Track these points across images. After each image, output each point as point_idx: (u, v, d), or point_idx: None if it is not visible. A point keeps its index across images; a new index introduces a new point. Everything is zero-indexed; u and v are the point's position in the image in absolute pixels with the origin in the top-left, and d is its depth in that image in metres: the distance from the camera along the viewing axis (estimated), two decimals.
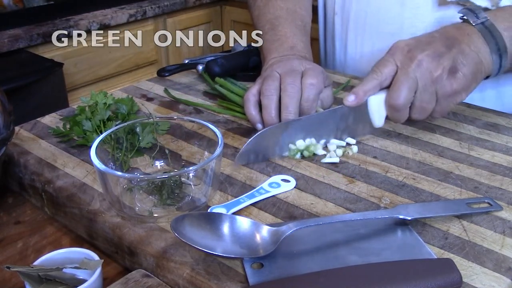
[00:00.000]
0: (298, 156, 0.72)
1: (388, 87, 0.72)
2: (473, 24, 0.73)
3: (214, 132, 0.65)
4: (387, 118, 0.74)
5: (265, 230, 0.55)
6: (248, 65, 1.00)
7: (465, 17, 0.74)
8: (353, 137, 0.76)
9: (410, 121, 0.75)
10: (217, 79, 0.93)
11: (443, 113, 0.74)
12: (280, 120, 0.75)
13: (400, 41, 0.73)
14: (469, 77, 0.71)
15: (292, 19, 0.92)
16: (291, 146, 0.73)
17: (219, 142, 0.62)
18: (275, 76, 0.78)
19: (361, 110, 0.74)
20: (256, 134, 0.71)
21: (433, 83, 0.70)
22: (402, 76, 0.70)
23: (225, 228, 0.54)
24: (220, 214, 0.56)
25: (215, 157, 0.60)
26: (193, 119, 0.71)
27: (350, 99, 0.72)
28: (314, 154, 0.73)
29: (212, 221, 0.55)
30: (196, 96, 0.94)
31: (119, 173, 0.63)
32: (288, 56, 0.84)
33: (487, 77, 0.76)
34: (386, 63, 0.71)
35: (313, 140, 0.74)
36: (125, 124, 0.69)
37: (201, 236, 0.53)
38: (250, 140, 0.70)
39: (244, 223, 0.55)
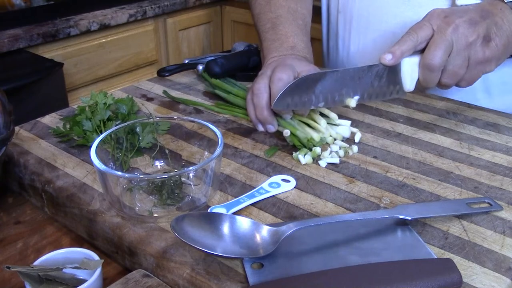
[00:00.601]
0: (300, 156, 0.71)
1: (421, 51, 0.74)
2: (505, 1, 0.76)
3: (214, 132, 0.65)
4: (417, 82, 0.76)
5: (265, 230, 0.55)
6: (248, 65, 1.00)
7: None
8: (382, 99, 0.78)
9: (439, 86, 0.76)
10: (213, 80, 0.92)
11: (471, 82, 0.75)
12: (275, 118, 0.76)
13: (436, 9, 0.75)
14: (500, 48, 0.74)
15: (293, 19, 0.92)
16: (299, 153, 0.73)
17: (219, 142, 0.62)
18: (265, 74, 0.78)
19: (394, 71, 0.75)
20: (294, 80, 0.72)
21: (467, 48, 0.72)
22: (439, 38, 0.71)
23: (225, 228, 0.54)
24: (220, 214, 0.56)
25: (215, 157, 0.60)
26: (193, 119, 0.71)
27: (388, 58, 0.73)
28: (318, 156, 0.73)
29: (212, 221, 0.55)
30: (196, 96, 0.94)
31: (119, 173, 0.63)
32: (287, 55, 0.84)
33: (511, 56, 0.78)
34: (422, 27, 0.73)
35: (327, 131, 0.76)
36: (125, 124, 0.69)
37: (201, 236, 0.53)
38: (288, 85, 0.72)
39: (244, 223, 0.55)
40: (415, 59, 0.74)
